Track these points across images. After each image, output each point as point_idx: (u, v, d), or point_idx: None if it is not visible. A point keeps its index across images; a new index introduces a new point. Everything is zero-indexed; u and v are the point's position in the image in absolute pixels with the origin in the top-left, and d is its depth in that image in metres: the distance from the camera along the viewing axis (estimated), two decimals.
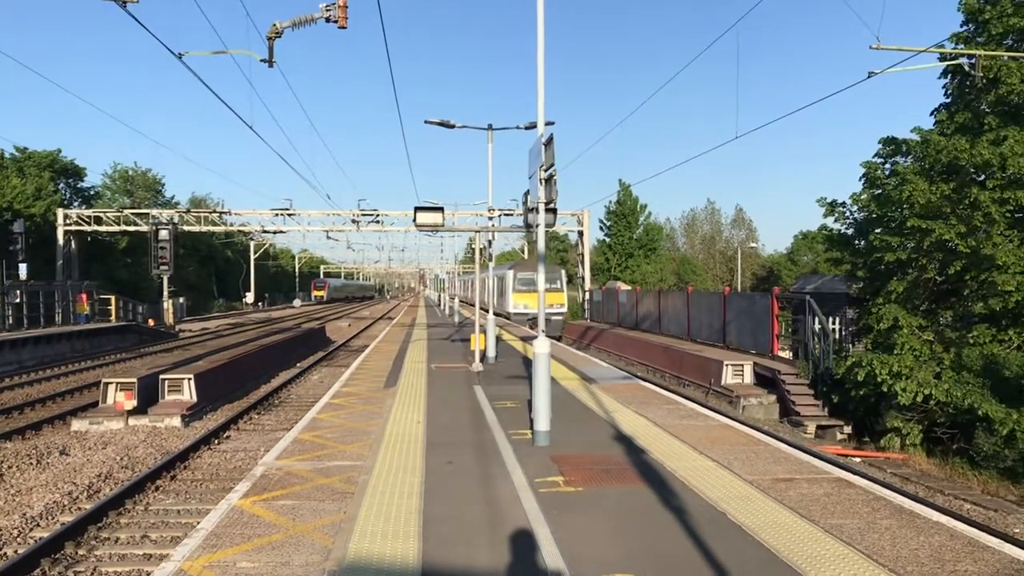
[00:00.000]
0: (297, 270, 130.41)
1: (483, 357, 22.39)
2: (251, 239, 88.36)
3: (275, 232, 62.38)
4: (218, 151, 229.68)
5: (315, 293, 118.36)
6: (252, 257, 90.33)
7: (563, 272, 50.97)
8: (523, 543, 7.17)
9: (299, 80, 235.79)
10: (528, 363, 21.27)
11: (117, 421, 18.61)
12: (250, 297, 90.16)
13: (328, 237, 67.84)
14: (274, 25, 12.82)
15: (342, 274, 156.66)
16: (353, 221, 57.60)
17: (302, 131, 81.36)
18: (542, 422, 11.46)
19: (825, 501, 8.56)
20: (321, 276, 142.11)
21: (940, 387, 18.39)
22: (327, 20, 12.60)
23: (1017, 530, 12.27)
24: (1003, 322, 20.73)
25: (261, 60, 13.41)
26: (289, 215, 57.95)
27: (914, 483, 15.74)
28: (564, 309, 48.16)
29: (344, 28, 12.53)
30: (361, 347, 36.86)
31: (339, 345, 43.08)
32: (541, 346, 11.68)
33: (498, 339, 27.15)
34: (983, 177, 21.58)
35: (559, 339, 42.98)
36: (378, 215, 57.96)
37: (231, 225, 62.34)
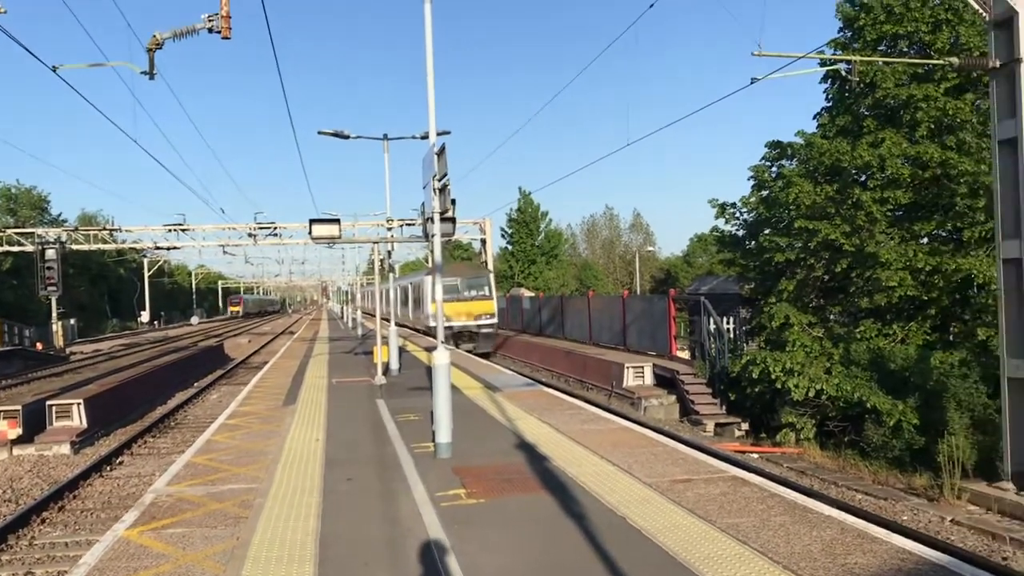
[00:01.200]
0: (194, 286, 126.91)
1: (386, 370, 22.14)
2: (144, 256, 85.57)
3: (169, 248, 60.55)
4: (106, 168, 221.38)
5: (232, 308, 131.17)
6: (146, 275, 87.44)
7: (491, 275, 41.07)
8: (424, 560, 7.07)
9: (188, 94, 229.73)
10: (432, 374, 21.15)
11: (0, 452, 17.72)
12: (145, 316, 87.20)
13: (225, 252, 66.21)
14: (154, 36, 12.41)
15: (241, 289, 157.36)
16: (250, 235, 56.38)
17: (193, 145, 79.60)
18: (443, 434, 11.36)
19: (722, 500, 8.71)
20: (219, 292, 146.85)
21: (831, 382, 19.01)
22: (210, 31, 12.26)
23: (905, 517, 12.74)
24: (887, 317, 21.59)
25: (142, 72, 12.95)
26: (183, 231, 56.32)
27: (809, 476, 16.20)
28: (495, 320, 39.37)
29: (228, 39, 12.22)
30: (261, 363, 36.06)
31: (238, 363, 42.04)
32: (440, 357, 11.59)
33: (402, 350, 26.91)
34: (864, 178, 22.48)
35: (488, 356, 36.30)
36: (276, 228, 56.87)
37: (123, 242, 60.30)
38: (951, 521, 12.25)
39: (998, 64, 12.77)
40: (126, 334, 73.54)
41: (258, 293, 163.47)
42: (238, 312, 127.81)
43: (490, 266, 56.97)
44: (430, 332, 40.53)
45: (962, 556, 9.07)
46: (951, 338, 20.45)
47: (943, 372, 17.85)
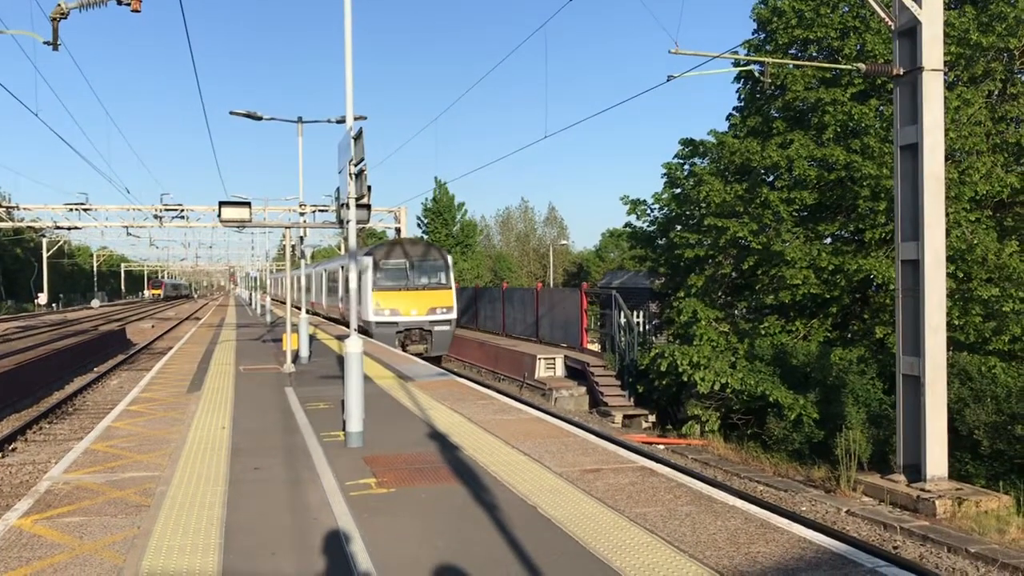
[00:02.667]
0: (96, 269, 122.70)
1: (295, 357, 21.79)
2: (43, 236, 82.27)
3: (70, 228, 58.26)
4: (3, 141, 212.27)
5: (152, 291, 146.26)
6: (45, 255, 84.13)
7: (448, 257, 33.61)
8: (333, 550, 6.98)
9: (94, 68, 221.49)
10: (344, 362, 20.86)
11: None
12: (43, 298, 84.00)
13: (128, 234, 64.08)
14: (59, 5, 11.86)
15: (145, 272, 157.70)
16: (156, 216, 54.74)
17: (98, 121, 76.84)
18: (354, 423, 11.24)
19: (630, 490, 8.84)
20: (122, 275, 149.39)
21: (735, 376, 19.49)
22: (119, 2, 11.80)
23: (804, 508, 13.17)
24: (791, 314, 22.24)
25: (45, 43, 12.38)
26: (85, 210, 54.31)
27: (713, 467, 16.59)
28: (453, 315, 32.20)
29: (138, 11, 11.76)
30: (165, 349, 35.07)
31: (141, 348, 40.86)
32: (352, 345, 11.46)
33: (312, 338, 26.49)
34: (772, 178, 23.09)
35: (439, 360, 30.13)
36: (183, 210, 55.31)
37: (20, 221, 57.75)
38: (847, 512, 12.70)
39: (902, 72, 13.24)
40: (22, 316, 70.58)
41: (162, 277, 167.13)
42: (159, 295, 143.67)
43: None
44: (370, 334, 31.91)
45: (858, 545, 9.42)
46: (850, 336, 21.18)
47: (842, 368, 18.49)
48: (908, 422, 13.26)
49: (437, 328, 31.22)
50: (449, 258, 32.94)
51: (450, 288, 32.10)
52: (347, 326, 20.67)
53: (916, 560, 10.60)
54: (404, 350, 28.92)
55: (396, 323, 30.62)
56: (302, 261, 26.95)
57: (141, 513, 8.05)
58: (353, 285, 12.19)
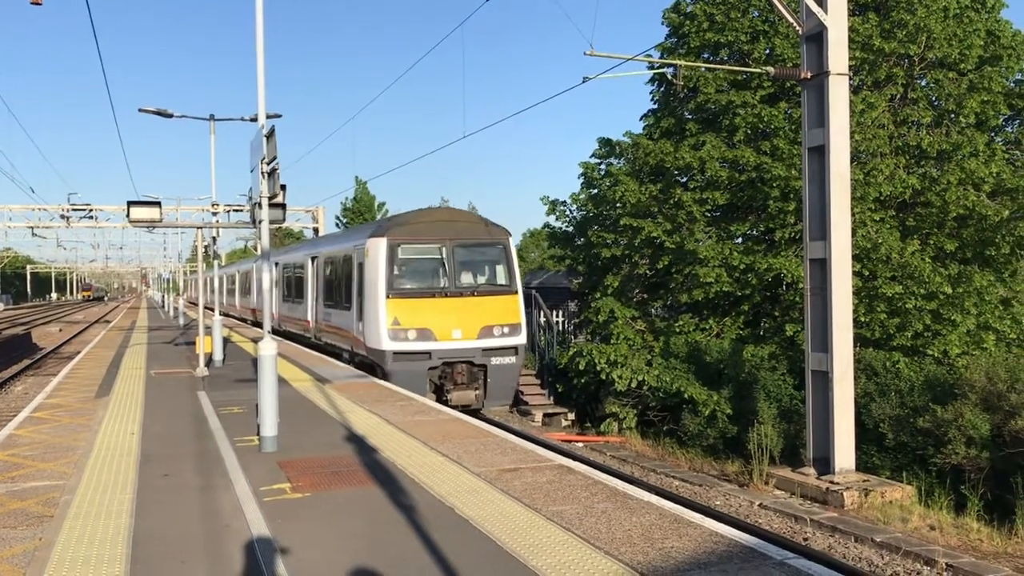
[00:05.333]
0: None
1: (209, 361, 21.29)
2: None
3: None
4: None
5: (83, 293, 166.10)
6: None
7: (509, 240, 20.87)
8: (246, 556, 6.84)
9: None
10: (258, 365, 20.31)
11: None
12: None
13: (34, 235, 61.78)
14: None
15: (53, 274, 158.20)
16: (63, 217, 52.94)
17: None
18: (268, 427, 11.04)
19: (548, 488, 8.89)
20: (27, 277, 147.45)
21: (651, 373, 19.79)
22: None
23: (718, 502, 13.44)
24: (704, 312, 22.68)
25: None
26: None
27: (630, 464, 16.81)
28: (521, 337, 20.13)
29: (39, 4, 11.39)
30: (73, 353, 33.92)
31: (48, 352, 39.48)
32: (266, 348, 11.25)
33: (227, 340, 25.97)
34: (685, 179, 23.52)
35: (514, 408, 21.70)
36: (91, 210, 53.61)
37: None
38: (759, 505, 13.00)
39: (809, 75, 13.62)
40: None
41: (89, 281, 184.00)
42: (90, 296, 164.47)
43: None
44: (383, 373, 19.51)
45: (768, 537, 9.65)
46: (762, 333, 21.70)
47: (754, 365, 18.93)
48: (817, 416, 13.65)
49: (497, 360, 19.30)
50: (510, 241, 20.52)
51: (515, 291, 20.08)
52: (372, 368, 17.64)
53: (824, 551, 10.92)
54: (444, 400, 18.36)
55: (427, 353, 18.76)
56: (215, 262, 26.39)
57: (43, 524, 7.76)
58: (266, 285, 11.97)
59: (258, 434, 11.22)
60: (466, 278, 20.13)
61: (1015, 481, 12.80)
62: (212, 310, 26.30)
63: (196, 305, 34.64)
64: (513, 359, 19.66)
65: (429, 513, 8.01)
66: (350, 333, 21.40)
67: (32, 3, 11.16)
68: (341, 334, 22.52)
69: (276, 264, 32.48)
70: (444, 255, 19.64)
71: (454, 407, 16.61)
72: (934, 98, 21.74)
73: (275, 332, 31.04)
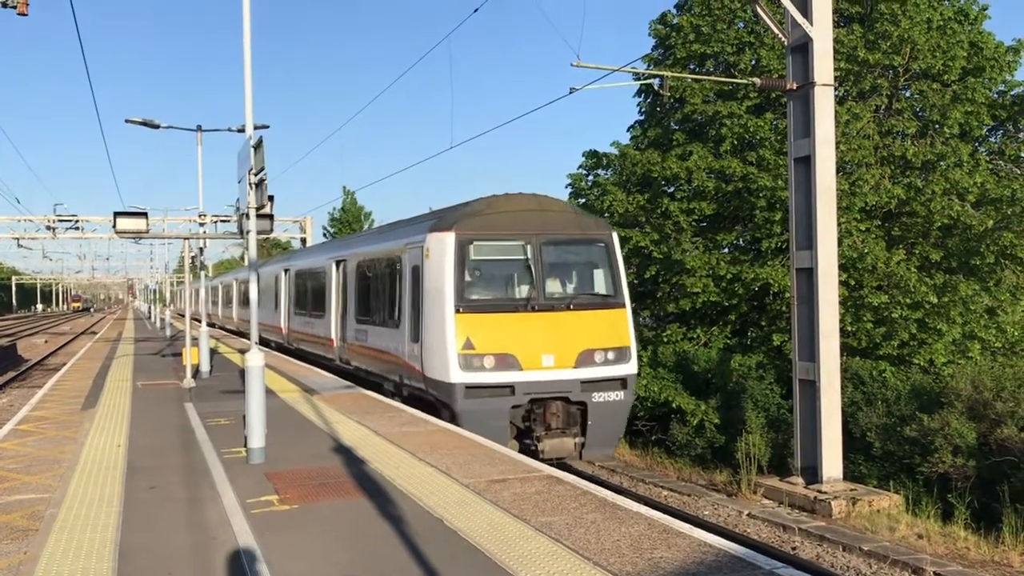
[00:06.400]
0: None
1: (196, 372, 21.20)
2: None
3: None
4: None
5: (73, 304, 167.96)
6: None
7: (612, 235, 16.28)
8: (233, 569, 6.81)
9: None
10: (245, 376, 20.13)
11: None
12: None
13: (20, 246, 61.44)
14: None
15: (39, 285, 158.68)
16: (49, 228, 52.58)
17: None
18: (256, 439, 11.00)
19: (537, 499, 8.88)
20: (12, 288, 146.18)
21: (639, 383, 19.79)
22: (4, 6, 11.35)
23: (706, 512, 13.44)
24: (692, 321, 22.73)
25: None
26: None
27: (619, 474, 16.79)
28: (631, 365, 15.52)
29: (24, 15, 11.34)
30: (59, 365, 33.71)
31: (33, 364, 39.23)
32: (254, 359, 11.22)
33: (213, 352, 25.87)
34: (672, 189, 23.60)
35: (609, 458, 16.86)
36: (78, 221, 53.31)
37: None
38: (747, 515, 13.02)
39: (795, 86, 13.70)
40: None
41: (78, 292, 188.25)
42: (79, 307, 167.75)
43: None
44: (449, 413, 15.43)
45: (756, 547, 9.67)
46: (749, 342, 21.75)
47: (742, 374, 18.98)
48: (805, 425, 13.68)
49: (600, 396, 15.00)
50: (614, 237, 16.25)
51: (622, 304, 15.73)
52: (431, 403, 15.12)
53: (812, 560, 10.94)
54: (529, 449, 14.42)
55: (510, 387, 14.56)
56: (202, 273, 26.31)
57: (28, 538, 7.71)
58: (253, 296, 11.92)
59: (245, 446, 11.17)
60: (558, 286, 15.61)
61: (1001, 489, 12.86)
62: (198, 321, 26.10)
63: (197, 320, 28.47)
64: (621, 394, 15.14)
65: (418, 524, 7.99)
66: (397, 358, 16.75)
67: (18, 13, 11.15)
68: (383, 359, 17.92)
69: (286, 271, 29.29)
70: (530, 255, 15.09)
71: (547, 460, 13.05)
72: (918, 109, 21.90)
73: (284, 351, 28.24)
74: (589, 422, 14.97)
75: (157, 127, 22.08)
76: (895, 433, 15.08)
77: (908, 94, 22.16)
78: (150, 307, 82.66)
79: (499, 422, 14.44)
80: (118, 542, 7.52)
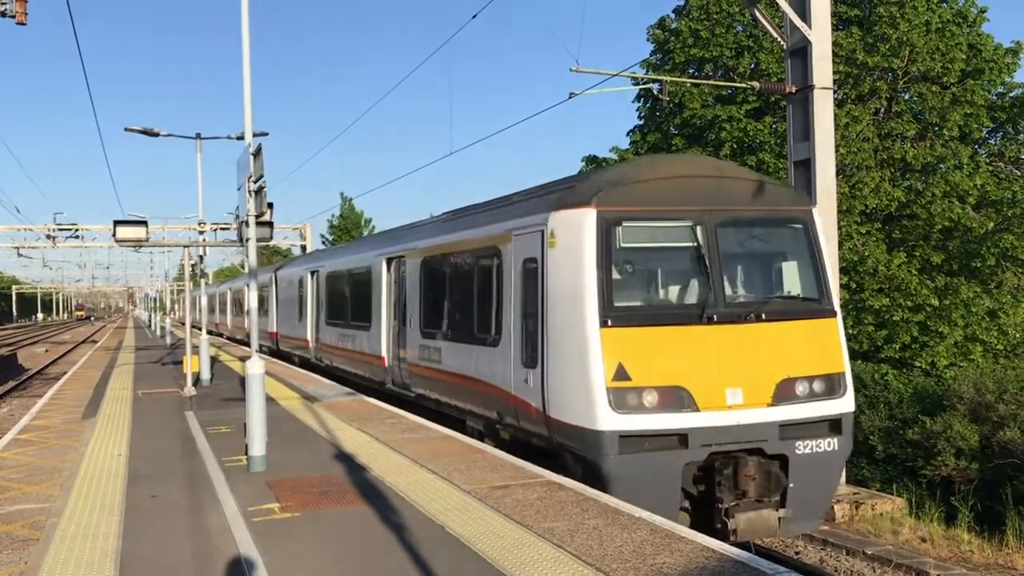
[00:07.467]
0: None
1: (196, 380, 21.18)
2: None
3: None
4: None
5: (77, 313, 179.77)
6: None
7: (813, 218, 11.35)
8: None
9: None
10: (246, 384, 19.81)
11: None
12: None
13: (20, 255, 61.50)
14: None
15: (39, 294, 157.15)
16: (49, 236, 52.64)
17: None
18: (257, 447, 10.97)
19: (539, 505, 8.85)
20: (12, 297, 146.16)
21: None
22: (3, 15, 11.35)
23: None
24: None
25: None
26: None
27: None
28: (848, 400, 10.86)
29: (23, 24, 11.36)
30: (59, 374, 33.67)
31: (34, 373, 39.16)
32: (254, 367, 11.19)
33: (214, 360, 25.85)
34: None
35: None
36: (78, 230, 53.36)
37: None
38: None
39: (794, 90, 13.70)
40: None
41: (81, 302, 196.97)
42: (83, 315, 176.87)
43: None
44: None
45: (759, 551, 9.62)
46: None
47: None
48: None
49: (805, 446, 10.51)
50: (814, 213, 11.57)
51: (830, 311, 11.23)
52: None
53: (816, 564, 10.91)
54: (712, 527, 9.96)
55: (681, 436, 10.09)
56: (202, 281, 26.28)
57: (29, 547, 7.68)
58: (253, 304, 11.90)
59: (246, 454, 11.15)
60: (742, 286, 11.45)
61: (1004, 492, 12.83)
62: (199, 329, 26.03)
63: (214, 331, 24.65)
64: (834, 443, 10.67)
65: (419, 531, 7.96)
66: (494, 388, 12.57)
67: (17, 23, 11.15)
68: (468, 388, 13.68)
69: (313, 273, 25.55)
70: (701, 241, 10.68)
71: (740, 544, 9.02)
72: (918, 111, 21.92)
73: (308, 366, 24.95)
74: (790, 484, 10.29)
75: (156, 135, 22.10)
76: (897, 436, 15.05)
77: (907, 97, 22.18)
78: (150, 315, 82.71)
79: (667, 489, 10.05)
80: (119, 551, 7.50)
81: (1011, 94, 21.60)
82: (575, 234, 10.56)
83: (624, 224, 10.55)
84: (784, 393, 10.34)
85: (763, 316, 10.54)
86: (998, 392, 14.19)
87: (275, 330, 31.88)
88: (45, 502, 9.43)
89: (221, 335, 50.62)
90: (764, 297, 11.19)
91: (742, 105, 22.28)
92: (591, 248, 10.37)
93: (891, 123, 21.30)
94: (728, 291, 10.68)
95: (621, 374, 10.02)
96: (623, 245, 10.59)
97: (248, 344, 13.21)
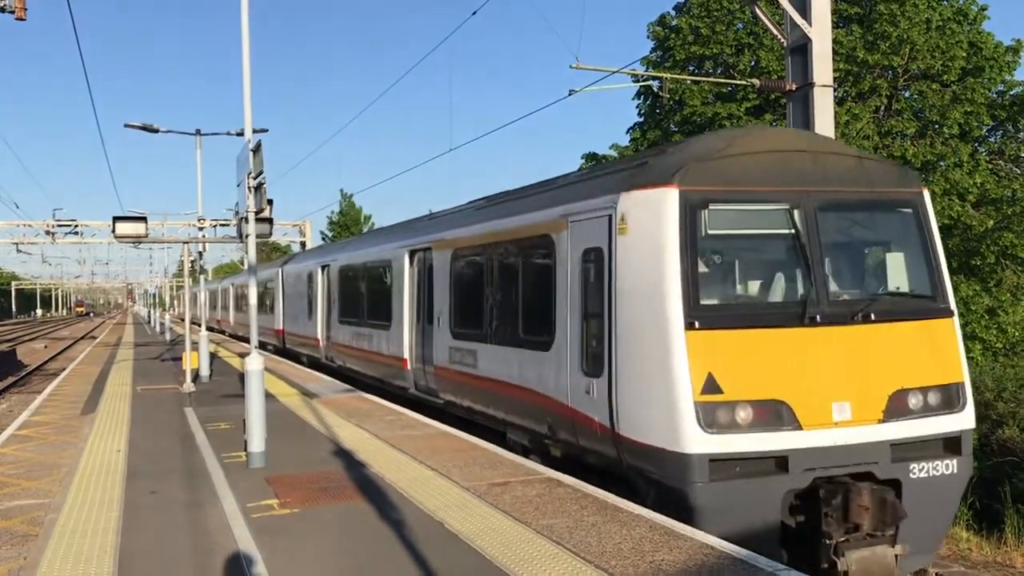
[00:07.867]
0: None
1: (196, 376, 21.19)
2: None
3: None
4: None
5: (77, 309, 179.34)
6: None
7: (925, 200, 9.76)
8: (233, 574, 6.78)
9: None
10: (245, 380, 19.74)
11: None
12: None
13: (19, 251, 61.46)
14: None
15: (38, 290, 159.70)
16: (48, 232, 52.62)
17: None
18: (256, 443, 10.97)
19: (538, 502, 8.85)
20: (12, 293, 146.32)
21: None
22: (2, 10, 11.34)
23: None
24: None
25: None
26: None
27: None
28: (968, 417, 9.25)
29: (23, 20, 11.35)
30: (58, 370, 33.68)
31: (33, 369, 39.15)
32: (253, 363, 11.19)
33: (213, 356, 25.85)
34: None
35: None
36: (77, 226, 53.35)
37: None
38: None
39: (794, 87, 13.70)
40: None
41: (80, 298, 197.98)
42: (83, 311, 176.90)
43: None
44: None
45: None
46: None
47: None
48: None
49: (921, 469, 8.93)
50: (925, 195, 9.87)
51: (947, 311, 9.56)
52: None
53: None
54: (816, 567, 8.38)
55: (780, 459, 8.49)
56: (202, 278, 26.29)
57: (28, 543, 7.68)
58: (252, 300, 11.90)
59: (245, 450, 11.15)
60: (847, 281, 9.93)
61: (1003, 490, 12.84)
62: (198, 325, 26.00)
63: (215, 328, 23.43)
64: (953, 464, 9.17)
65: (418, 528, 7.96)
66: (545, 397, 11.11)
67: (16, 18, 11.14)
68: (513, 396, 12.11)
69: (324, 268, 24.36)
70: (800, 227, 9.23)
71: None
72: (918, 109, 21.92)
73: (317, 366, 24.04)
74: (910, 509, 8.63)
75: (156, 131, 22.09)
76: None
77: (907, 94, 22.17)
78: (150, 311, 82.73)
79: (765, 521, 8.55)
80: (118, 547, 7.50)
81: (1011, 92, 21.60)
82: (654, 218, 9.03)
83: (711, 207, 9.05)
84: (897, 407, 8.91)
85: (872, 316, 9.06)
86: (997, 390, 14.21)
87: (281, 327, 30.78)
88: (44, 498, 9.44)
89: (223, 332, 50.56)
90: (872, 294, 9.72)
91: (742, 103, 22.27)
92: (673, 234, 8.83)
93: (891, 121, 21.30)
94: (833, 287, 9.28)
95: (711, 386, 8.55)
96: (710, 232, 9.12)
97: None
